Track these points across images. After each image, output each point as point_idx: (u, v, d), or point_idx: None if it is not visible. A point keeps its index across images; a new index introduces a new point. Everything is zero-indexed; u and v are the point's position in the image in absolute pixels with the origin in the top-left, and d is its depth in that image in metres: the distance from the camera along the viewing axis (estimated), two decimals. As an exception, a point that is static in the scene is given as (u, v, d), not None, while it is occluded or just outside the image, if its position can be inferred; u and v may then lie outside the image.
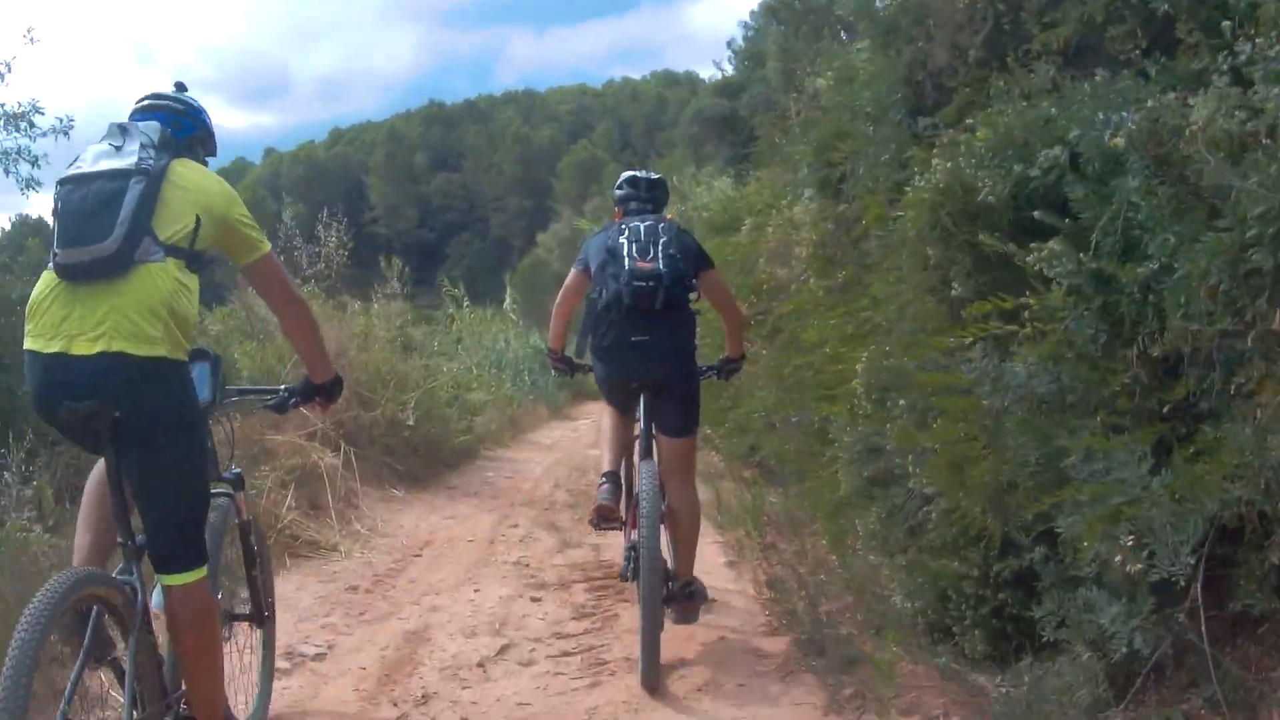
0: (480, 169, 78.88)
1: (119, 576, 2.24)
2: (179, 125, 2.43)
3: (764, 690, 3.18)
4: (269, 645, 3.08)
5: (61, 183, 2.24)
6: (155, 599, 2.32)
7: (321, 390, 2.70)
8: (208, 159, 2.56)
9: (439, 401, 7.94)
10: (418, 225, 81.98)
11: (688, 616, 3.64)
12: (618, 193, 3.84)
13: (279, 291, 2.56)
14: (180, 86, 2.60)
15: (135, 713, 2.18)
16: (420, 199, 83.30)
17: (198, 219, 2.26)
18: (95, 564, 2.34)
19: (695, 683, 3.28)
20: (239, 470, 2.85)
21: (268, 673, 3.07)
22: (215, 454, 2.68)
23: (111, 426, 2.15)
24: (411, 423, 7.00)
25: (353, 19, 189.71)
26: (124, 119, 2.39)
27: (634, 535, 3.42)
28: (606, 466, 3.59)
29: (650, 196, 3.78)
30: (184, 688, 2.36)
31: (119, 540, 2.27)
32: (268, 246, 2.48)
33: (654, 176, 3.91)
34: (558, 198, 58.18)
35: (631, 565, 3.46)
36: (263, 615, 2.96)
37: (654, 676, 3.21)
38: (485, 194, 78.47)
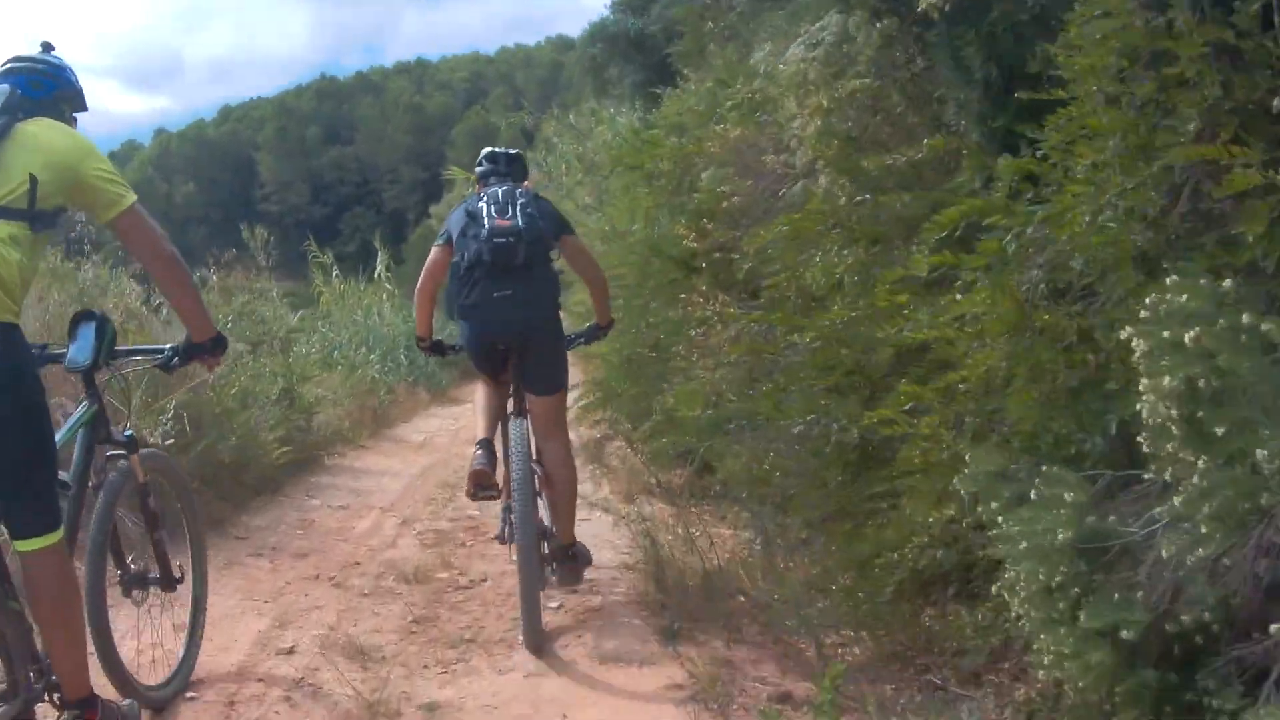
0: (373, 141, 77.66)
1: None
2: (39, 85, 2.40)
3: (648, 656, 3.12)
4: (198, 609, 3.05)
5: None
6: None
7: (202, 348, 2.65)
8: (75, 115, 2.52)
9: (261, 398, 6.01)
10: (310, 201, 79.96)
11: (570, 578, 3.68)
12: (478, 169, 3.91)
13: (149, 247, 2.45)
14: (46, 46, 2.55)
15: (6, 678, 2.16)
16: (312, 174, 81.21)
17: (32, 178, 2.20)
18: None
19: (582, 650, 3.20)
20: (131, 432, 2.81)
21: (194, 638, 3.02)
22: (106, 416, 2.67)
23: None
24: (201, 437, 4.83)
25: (244, 1, 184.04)
26: None
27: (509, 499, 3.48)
28: (480, 434, 3.58)
29: (508, 170, 3.84)
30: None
31: None
32: (131, 199, 2.37)
33: (512, 151, 3.99)
34: (451, 166, 57.40)
35: (507, 527, 3.58)
36: (172, 579, 2.88)
37: (536, 636, 3.23)
38: (379, 167, 77.24)
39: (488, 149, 4.04)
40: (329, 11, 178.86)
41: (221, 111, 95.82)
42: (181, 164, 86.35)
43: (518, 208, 3.55)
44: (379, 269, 14.71)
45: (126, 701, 2.51)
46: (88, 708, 2.26)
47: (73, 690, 2.26)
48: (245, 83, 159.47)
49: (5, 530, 2.26)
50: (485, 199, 3.61)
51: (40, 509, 2.22)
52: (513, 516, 3.41)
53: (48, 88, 2.42)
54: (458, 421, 9.15)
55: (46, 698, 2.28)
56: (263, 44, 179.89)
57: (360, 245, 52.21)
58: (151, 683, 2.75)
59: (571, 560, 3.66)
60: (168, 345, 2.77)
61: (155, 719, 2.72)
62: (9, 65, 2.43)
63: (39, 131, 2.27)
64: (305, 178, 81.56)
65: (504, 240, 3.45)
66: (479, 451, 3.49)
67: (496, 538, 3.85)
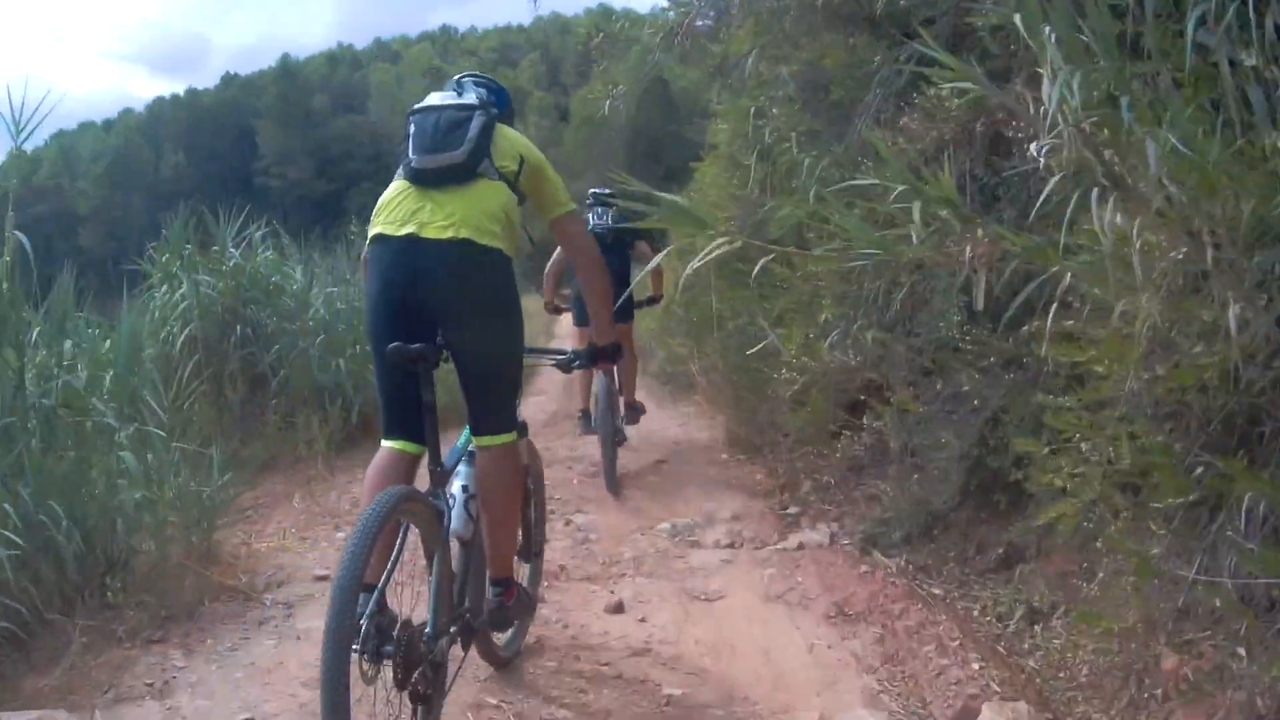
0: (387, 111, 67.03)
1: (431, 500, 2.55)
2: (496, 98, 2.88)
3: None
4: (534, 581, 3.41)
5: (413, 113, 2.73)
6: (455, 523, 2.68)
7: (603, 353, 3.01)
8: None
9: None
10: (315, 176, 71.93)
11: (633, 420, 6.26)
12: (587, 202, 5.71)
13: (584, 249, 2.99)
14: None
15: (433, 621, 2.45)
16: (319, 146, 72.87)
17: (521, 160, 2.73)
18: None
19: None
20: (523, 420, 2.95)
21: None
22: None
23: (439, 317, 2.55)
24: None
25: None
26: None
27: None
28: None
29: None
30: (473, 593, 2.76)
31: (430, 466, 2.59)
32: (571, 206, 2.90)
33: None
34: None
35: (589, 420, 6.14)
36: (530, 551, 3.31)
37: (615, 484, 5.46)
38: (393, 139, 66.29)
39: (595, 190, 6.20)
40: (358, 3, 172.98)
41: (224, 79, 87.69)
42: (174, 132, 77.94)
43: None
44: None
45: (528, 585, 3.24)
46: (508, 586, 2.77)
47: (499, 570, 2.77)
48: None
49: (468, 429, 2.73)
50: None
51: (502, 412, 2.68)
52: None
53: (502, 102, 2.88)
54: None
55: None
56: (290, 31, 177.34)
57: (368, 224, 45.10)
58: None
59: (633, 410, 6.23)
60: (569, 350, 3.13)
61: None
62: (472, 76, 2.95)
63: (512, 133, 2.79)
64: (310, 150, 73.09)
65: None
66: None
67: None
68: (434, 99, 2.76)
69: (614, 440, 5.62)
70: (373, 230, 2.62)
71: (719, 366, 6.77)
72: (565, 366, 3.08)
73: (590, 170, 34.57)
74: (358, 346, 6.57)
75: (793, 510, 4.82)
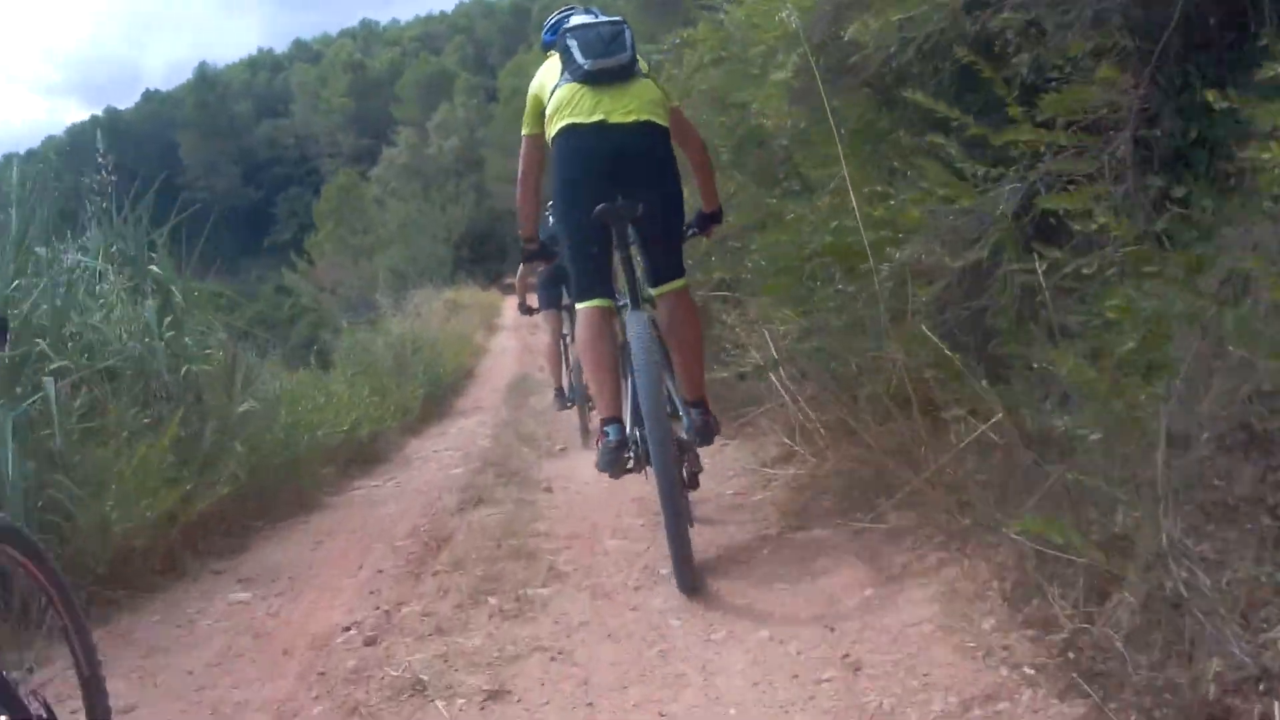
0: (311, 111, 70.43)
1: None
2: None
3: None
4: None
5: (571, 30, 3.28)
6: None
7: (714, 217, 3.62)
8: None
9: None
10: (243, 184, 72.02)
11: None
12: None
13: (696, 137, 3.56)
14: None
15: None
16: (244, 154, 73.47)
17: (649, 66, 3.37)
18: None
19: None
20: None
21: None
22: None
23: (629, 185, 3.08)
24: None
25: (194, 10, 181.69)
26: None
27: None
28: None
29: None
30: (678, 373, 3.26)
31: (631, 305, 3.20)
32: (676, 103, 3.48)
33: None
34: (398, 123, 51.42)
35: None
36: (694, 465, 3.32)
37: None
38: (319, 140, 69.44)
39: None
40: (282, 17, 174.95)
41: (144, 95, 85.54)
42: (91, 155, 75.84)
43: None
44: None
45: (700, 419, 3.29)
46: (704, 406, 3.26)
47: (695, 392, 3.26)
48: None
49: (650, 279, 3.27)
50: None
51: (679, 261, 3.29)
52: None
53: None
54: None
55: None
56: (217, 48, 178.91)
57: (298, 229, 46.95)
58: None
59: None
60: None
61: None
62: (582, 5, 3.59)
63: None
64: (235, 159, 73.19)
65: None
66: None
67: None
68: (583, 19, 3.35)
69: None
70: (560, 123, 3.15)
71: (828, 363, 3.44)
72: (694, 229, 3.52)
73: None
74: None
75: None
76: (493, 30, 71.56)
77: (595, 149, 3.14)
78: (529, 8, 69.58)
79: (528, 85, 3.44)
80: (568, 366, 6.92)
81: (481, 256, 38.28)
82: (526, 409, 8.97)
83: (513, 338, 17.65)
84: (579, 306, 3.23)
